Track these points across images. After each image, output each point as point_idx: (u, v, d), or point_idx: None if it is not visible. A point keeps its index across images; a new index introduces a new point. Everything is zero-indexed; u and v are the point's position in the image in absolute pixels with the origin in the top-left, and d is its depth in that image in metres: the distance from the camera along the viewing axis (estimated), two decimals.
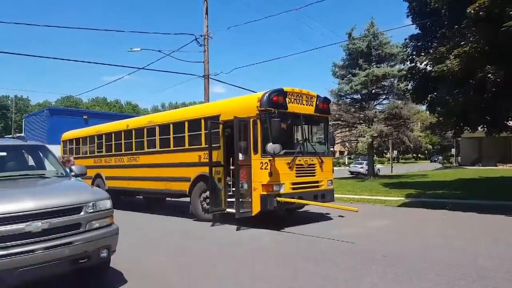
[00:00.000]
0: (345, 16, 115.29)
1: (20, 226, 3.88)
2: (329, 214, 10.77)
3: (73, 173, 5.74)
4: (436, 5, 12.05)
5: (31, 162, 6.13)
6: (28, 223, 3.92)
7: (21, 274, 3.81)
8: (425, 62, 13.19)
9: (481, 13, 9.77)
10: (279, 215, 10.21)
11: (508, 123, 14.12)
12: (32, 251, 3.88)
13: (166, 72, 34.75)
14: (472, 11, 9.87)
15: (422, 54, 14.07)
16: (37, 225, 3.96)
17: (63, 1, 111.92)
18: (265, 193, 8.65)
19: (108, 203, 4.71)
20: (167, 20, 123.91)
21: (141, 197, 15.15)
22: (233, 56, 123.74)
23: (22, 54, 50.83)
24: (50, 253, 3.98)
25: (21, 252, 3.82)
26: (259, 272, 5.54)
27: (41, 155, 6.08)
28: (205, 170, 9.71)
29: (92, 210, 4.46)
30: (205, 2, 18.71)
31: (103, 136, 14.38)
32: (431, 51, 12.48)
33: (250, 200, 8.86)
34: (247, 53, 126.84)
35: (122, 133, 13.46)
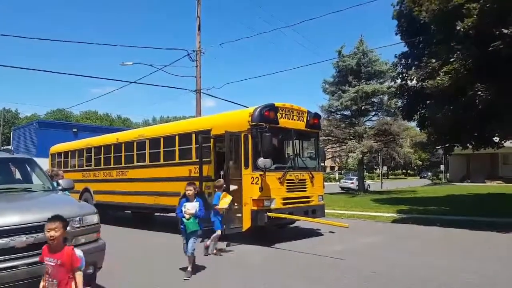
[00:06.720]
0: (336, 34, 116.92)
1: (4, 241, 3.77)
2: (319, 230, 10.70)
3: (60, 187, 5.63)
4: (425, 19, 12.20)
5: (17, 175, 6.01)
6: (12, 237, 3.82)
7: None
8: (414, 80, 13.34)
9: (470, 31, 9.94)
10: (269, 231, 10.11)
11: (494, 139, 14.29)
12: (15, 267, 3.77)
13: (158, 86, 34.65)
14: (462, 29, 10.05)
15: (411, 72, 14.22)
16: (22, 240, 3.86)
17: (54, 14, 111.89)
18: (255, 208, 8.58)
19: (95, 218, 4.62)
20: (160, 34, 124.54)
21: (130, 212, 14.92)
22: (225, 70, 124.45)
23: (10, 66, 50.02)
24: (33, 269, 3.86)
25: (3, 268, 3.71)
26: None
27: (28, 168, 5.97)
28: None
29: (78, 225, 4.36)
30: (198, 18, 18.90)
31: (92, 149, 14.21)
32: (422, 65, 12.61)
33: (240, 215, 8.77)
34: (240, 68, 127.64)
35: (112, 146, 13.31)
